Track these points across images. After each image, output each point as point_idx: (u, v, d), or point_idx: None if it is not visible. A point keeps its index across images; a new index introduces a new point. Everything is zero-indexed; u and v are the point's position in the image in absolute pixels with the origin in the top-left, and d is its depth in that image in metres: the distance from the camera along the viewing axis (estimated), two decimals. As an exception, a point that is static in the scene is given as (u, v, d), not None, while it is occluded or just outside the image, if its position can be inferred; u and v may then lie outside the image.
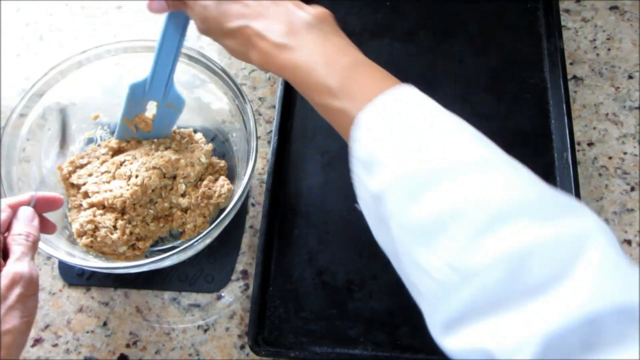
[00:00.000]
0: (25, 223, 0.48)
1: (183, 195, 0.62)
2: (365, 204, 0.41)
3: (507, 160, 0.37)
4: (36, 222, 0.49)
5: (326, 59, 0.42)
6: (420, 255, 0.35)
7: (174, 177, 0.63)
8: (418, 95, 0.41)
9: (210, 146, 0.66)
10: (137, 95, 0.60)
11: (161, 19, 0.55)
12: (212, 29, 0.47)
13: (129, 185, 0.60)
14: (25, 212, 0.49)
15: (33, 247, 0.47)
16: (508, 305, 0.32)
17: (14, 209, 0.49)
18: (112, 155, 0.64)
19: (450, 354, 0.35)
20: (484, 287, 0.33)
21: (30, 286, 0.44)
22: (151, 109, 0.63)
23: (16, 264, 0.44)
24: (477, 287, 0.33)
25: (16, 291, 0.42)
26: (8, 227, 0.47)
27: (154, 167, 0.61)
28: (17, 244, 0.46)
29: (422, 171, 0.36)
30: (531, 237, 0.33)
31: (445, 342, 0.35)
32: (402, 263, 0.38)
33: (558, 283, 0.31)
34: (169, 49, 0.57)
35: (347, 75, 0.42)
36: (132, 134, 0.64)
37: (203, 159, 0.64)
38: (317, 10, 0.45)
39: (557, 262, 0.32)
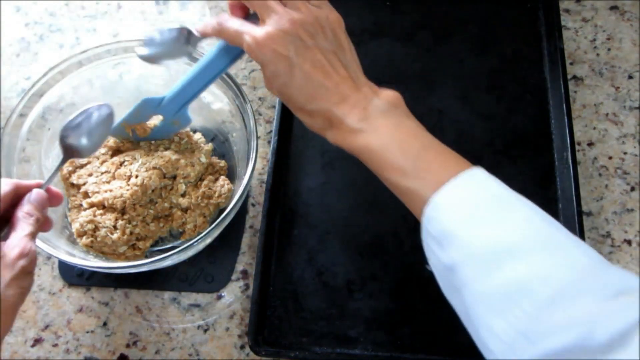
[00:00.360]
0: (36, 206, 0.49)
1: (183, 195, 0.62)
2: (437, 271, 0.45)
3: (573, 239, 0.41)
4: (46, 210, 0.50)
5: (400, 142, 0.46)
6: (493, 321, 0.39)
7: (174, 177, 0.62)
8: (487, 177, 0.44)
9: (210, 146, 0.66)
10: (148, 108, 0.60)
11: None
12: (289, 102, 0.50)
13: (129, 185, 0.60)
14: (40, 196, 0.50)
15: (38, 230, 0.49)
16: None
17: (19, 189, 0.50)
18: (112, 155, 0.64)
19: None
20: (550, 350, 0.36)
21: (32, 263, 0.46)
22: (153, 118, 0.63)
23: (25, 239, 0.46)
24: (545, 349, 0.36)
25: (21, 263, 0.45)
26: (11, 204, 0.49)
27: (154, 167, 0.61)
28: (26, 223, 0.47)
29: (495, 247, 0.40)
30: (593, 312, 0.36)
31: None
32: (473, 323, 0.41)
33: (620, 347, 0.34)
34: (204, 78, 0.56)
35: (419, 157, 0.45)
36: (126, 135, 0.64)
37: (203, 159, 0.64)
38: (389, 95, 0.49)
39: (617, 330, 0.34)
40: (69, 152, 0.55)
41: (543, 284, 0.38)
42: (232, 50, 0.54)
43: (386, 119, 0.47)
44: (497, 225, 0.41)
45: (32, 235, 0.47)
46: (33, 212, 0.48)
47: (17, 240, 0.46)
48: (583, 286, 0.37)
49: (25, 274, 0.45)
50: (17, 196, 0.49)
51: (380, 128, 0.47)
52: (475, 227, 0.41)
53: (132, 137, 0.64)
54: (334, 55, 0.49)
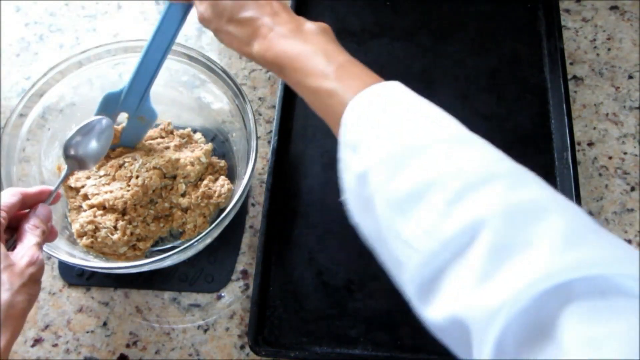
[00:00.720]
0: (42, 220, 0.51)
1: (183, 195, 0.62)
2: (350, 190, 0.43)
3: (480, 139, 0.40)
4: (50, 222, 0.52)
5: (326, 51, 0.47)
6: (401, 226, 0.37)
7: (174, 177, 0.63)
8: (404, 89, 0.44)
9: (210, 145, 0.66)
10: (110, 105, 0.60)
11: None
12: (220, 15, 0.51)
13: (129, 186, 0.60)
14: (45, 210, 0.52)
15: (44, 241, 0.51)
16: (479, 271, 0.33)
17: (25, 199, 0.51)
18: (106, 159, 0.64)
19: (431, 327, 0.37)
20: (456, 252, 0.34)
21: (40, 271, 0.48)
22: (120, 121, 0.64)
23: (33, 248, 0.48)
24: (450, 252, 0.34)
25: (30, 270, 0.46)
26: (18, 211, 0.51)
27: (155, 167, 0.61)
28: (33, 234, 0.49)
29: (403, 148, 0.39)
30: (502, 202, 0.34)
31: (425, 312, 0.37)
32: (386, 241, 0.39)
33: (525, 249, 0.32)
34: (152, 61, 0.57)
35: (343, 66, 0.46)
36: None
37: (203, 159, 0.64)
38: (321, 23, 0.50)
39: (524, 228, 0.33)
40: (73, 165, 0.58)
41: (449, 178, 0.36)
42: (175, 19, 0.56)
43: (317, 37, 0.48)
44: (409, 127, 0.40)
45: (39, 246, 0.49)
46: (39, 225, 0.51)
47: (26, 249, 0.48)
48: (491, 178, 0.36)
49: (34, 282, 0.47)
50: (24, 205, 0.51)
51: (311, 40, 0.48)
52: (388, 130, 0.40)
53: None
54: None
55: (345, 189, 0.44)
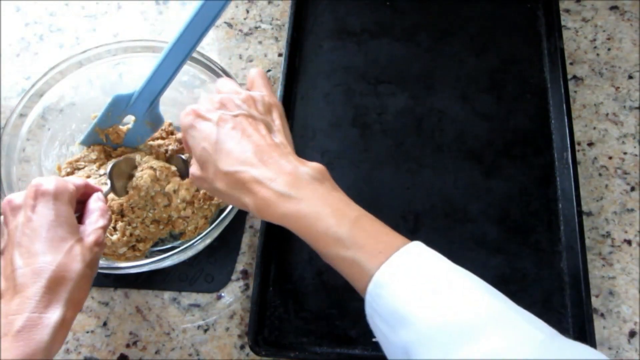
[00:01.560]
0: (102, 201, 0.52)
1: (184, 208, 0.62)
2: (387, 348, 0.43)
3: (523, 313, 0.41)
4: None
5: (333, 210, 0.44)
6: None
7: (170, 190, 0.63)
8: (429, 252, 0.43)
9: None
10: (119, 107, 0.60)
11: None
12: (208, 167, 0.48)
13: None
14: (101, 195, 0.53)
15: (108, 221, 0.51)
16: None
17: (87, 188, 0.53)
18: (106, 158, 0.64)
19: None
20: None
21: (101, 252, 0.48)
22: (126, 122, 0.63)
23: (100, 230, 0.49)
24: None
25: (96, 249, 0.47)
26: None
27: (150, 167, 0.61)
28: (102, 216, 0.50)
29: (449, 328, 0.38)
30: None
31: None
32: None
33: None
34: (168, 68, 0.57)
35: (355, 226, 0.43)
36: (100, 142, 0.64)
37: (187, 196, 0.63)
38: (316, 165, 0.47)
39: None
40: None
41: None
42: (196, 32, 0.55)
43: (315, 187, 0.45)
44: (447, 303, 0.39)
45: (105, 229, 0.49)
46: (106, 207, 0.52)
47: (93, 228, 0.48)
48: None
49: (95, 262, 0.47)
50: (86, 194, 0.52)
51: (311, 195, 0.44)
52: (424, 307, 0.39)
53: (106, 144, 0.64)
54: (263, 124, 0.49)
55: (379, 343, 0.44)
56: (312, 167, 0.47)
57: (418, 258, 0.42)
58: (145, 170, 0.60)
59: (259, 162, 0.45)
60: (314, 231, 0.44)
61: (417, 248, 0.42)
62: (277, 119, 0.51)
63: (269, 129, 0.49)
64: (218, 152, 0.47)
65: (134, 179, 0.60)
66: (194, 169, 0.50)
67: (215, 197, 0.62)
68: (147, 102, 0.59)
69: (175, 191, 0.60)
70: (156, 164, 0.61)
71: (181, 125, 0.50)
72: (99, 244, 0.47)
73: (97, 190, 0.53)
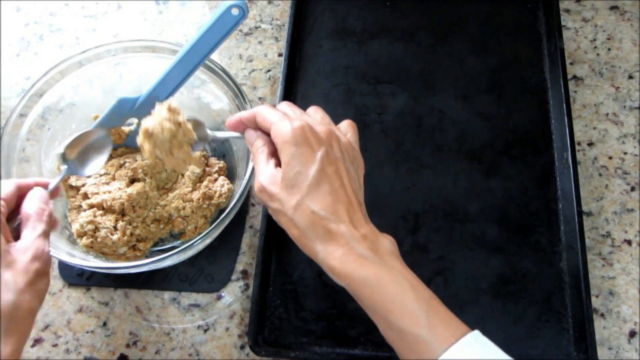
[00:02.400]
0: (39, 200, 0.48)
1: (183, 208, 0.62)
2: None
3: None
4: (50, 203, 0.49)
5: (412, 287, 0.44)
6: None
7: (170, 188, 0.63)
8: (488, 342, 0.44)
9: (199, 153, 0.65)
10: (123, 110, 0.60)
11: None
12: (295, 195, 0.47)
13: (127, 186, 0.60)
14: (39, 191, 0.49)
15: (48, 225, 0.47)
16: None
17: (21, 189, 0.49)
18: (107, 159, 0.64)
19: None
20: None
21: (46, 264, 0.44)
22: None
23: (38, 240, 0.45)
24: None
25: (35, 265, 0.43)
26: (16, 206, 0.48)
27: (176, 122, 0.60)
28: (39, 220, 0.46)
29: None
30: None
31: None
32: None
33: None
34: (178, 75, 0.57)
35: (430, 307, 0.44)
36: None
37: (196, 170, 0.64)
38: (391, 238, 0.48)
39: None
40: (69, 170, 0.56)
41: None
42: (207, 45, 0.55)
43: (393, 259, 0.46)
44: None
45: (46, 234, 0.46)
46: (44, 207, 0.47)
47: (30, 241, 0.44)
48: None
49: (41, 276, 0.43)
50: (20, 197, 0.48)
51: (391, 265, 0.45)
52: None
53: None
54: (355, 178, 0.49)
55: None
56: (389, 240, 0.48)
57: (479, 346, 0.43)
58: (165, 122, 0.53)
59: (348, 218, 0.46)
60: (389, 301, 0.44)
61: (478, 336, 0.44)
62: (361, 177, 0.51)
63: (355, 184, 0.49)
64: (314, 188, 0.46)
65: (148, 126, 0.53)
66: (270, 182, 0.48)
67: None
68: (152, 106, 0.59)
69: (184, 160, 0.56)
70: (181, 118, 0.54)
71: (292, 130, 0.47)
72: (39, 256, 0.43)
73: (36, 185, 0.49)
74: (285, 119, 0.48)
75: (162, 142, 0.53)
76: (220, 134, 0.56)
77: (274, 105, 0.52)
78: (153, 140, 0.53)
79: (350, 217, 0.46)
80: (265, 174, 0.49)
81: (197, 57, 0.56)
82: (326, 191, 0.46)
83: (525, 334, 0.59)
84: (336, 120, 0.71)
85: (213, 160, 0.66)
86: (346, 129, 0.52)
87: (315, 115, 0.52)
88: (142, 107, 0.60)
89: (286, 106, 0.52)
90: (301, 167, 0.46)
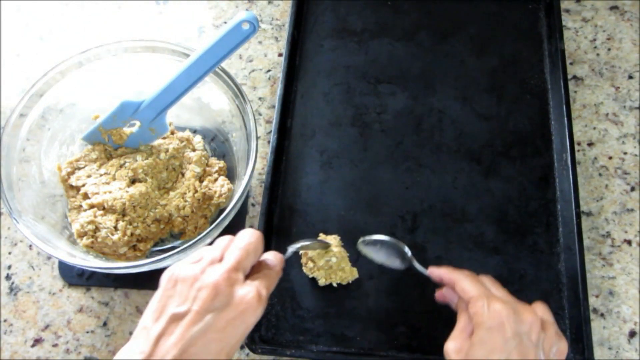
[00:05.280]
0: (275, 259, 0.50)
1: (183, 207, 0.62)
2: None
3: None
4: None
5: None
6: None
7: (170, 188, 0.63)
8: None
9: (199, 154, 0.66)
10: (126, 113, 0.61)
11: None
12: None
13: (128, 186, 0.61)
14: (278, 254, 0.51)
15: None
16: None
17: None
18: (107, 157, 0.64)
19: None
20: None
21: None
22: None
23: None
24: None
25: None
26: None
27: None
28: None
29: None
30: None
31: None
32: None
33: None
34: (184, 84, 0.58)
35: None
36: (102, 141, 0.65)
37: (197, 169, 0.64)
38: None
39: None
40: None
41: None
42: (215, 56, 0.56)
43: None
44: None
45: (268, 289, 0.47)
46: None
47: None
48: None
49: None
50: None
51: None
52: None
53: (107, 143, 0.65)
54: None
55: None
56: None
57: None
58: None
59: None
60: None
61: None
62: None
63: None
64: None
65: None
66: (455, 350, 0.48)
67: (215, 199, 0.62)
68: (155, 111, 0.60)
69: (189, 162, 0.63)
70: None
71: (489, 313, 0.47)
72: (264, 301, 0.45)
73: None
74: (488, 298, 0.48)
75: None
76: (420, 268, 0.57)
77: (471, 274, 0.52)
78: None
79: None
80: (456, 340, 0.49)
81: (203, 68, 0.57)
82: None
83: (524, 335, 0.59)
84: (336, 120, 0.71)
85: (213, 160, 0.66)
86: (542, 311, 0.50)
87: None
88: (145, 111, 0.60)
89: (487, 280, 0.52)
90: (485, 354, 0.46)
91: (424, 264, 0.55)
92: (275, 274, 0.48)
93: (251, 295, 0.43)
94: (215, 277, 0.43)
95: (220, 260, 0.46)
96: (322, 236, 0.63)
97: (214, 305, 0.42)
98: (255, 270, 0.48)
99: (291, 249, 0.55)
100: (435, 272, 0.54)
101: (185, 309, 0.42)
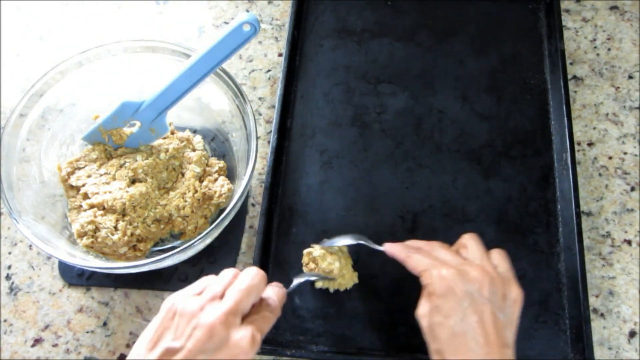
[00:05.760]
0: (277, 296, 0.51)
1: (183, 207, 0.62)
2: None
3: None
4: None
5: None
6: None
7: (170, 188, 0.63)
8: None
9: (199, 154, 0.66)
10: (126, 113, 0.61)
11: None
12: (435, 342, 0.49)
13: (128, 186, 0.61)
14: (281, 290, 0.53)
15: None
16: None
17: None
18: (107, 157, 0.64)
19: None
20: None
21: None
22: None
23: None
24: None
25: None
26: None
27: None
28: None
29: None
30: None
31: None
32: None
33: None
34: (184, 85, 0.58)
35: None
36: (102, 141, 0.65)
37: (197, 168, 0.64)
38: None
39: None
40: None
41: None
42: (215, 58, 0.56)
43: None
44: None
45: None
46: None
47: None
48: None
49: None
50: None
51: None
52: None
53: (107, 143, 0.65)
54: (501, 326, 0.49)
55: None
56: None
57: None
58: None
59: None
60: None
61: None
62: (516, 312, 0.51)
63: (503, 325, 0.49)
64: (452, 341, 0.48)
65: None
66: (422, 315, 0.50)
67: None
68: (155, 112, 0.60)
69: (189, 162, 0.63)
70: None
71: (438, 281, 0.50)
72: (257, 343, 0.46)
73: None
74: (435, 267, 0.51)
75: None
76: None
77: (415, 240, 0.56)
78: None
79: (480, 354, 0.47)
80: (422, 306, 0.51)
81: (204, 69, 0.57)
82: (466, 345, 0.47)
83: (523, 335, 0.59)
84: (336, 120, 0.71)
85: (213, 160, 0.66)
86: (498, 260, 0.53)
87: (471, 251, 0.53)
88: (145, 111, 0.60)
89: (438, 247, 0.54)
90: (442, 319, 0.48)
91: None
92: (274, 317, 0.49)
93: (246, 341, 0.44)
94: (212, 317, 0.44)
95: (222, 296, 0.46)
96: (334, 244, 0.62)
97: (208, 346, 0.43)
98: (254, 309, 0.48)
99: (296, 281, 0.56)
100: (389, 249, 0.56)
101: (179, 345, 0.43)
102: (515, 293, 0.51)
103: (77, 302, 0.64)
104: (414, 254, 0.54)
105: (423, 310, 0.50)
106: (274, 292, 0.51)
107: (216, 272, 0.63)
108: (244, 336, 0.44)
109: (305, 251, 0.61)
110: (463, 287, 0.49)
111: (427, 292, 0.51)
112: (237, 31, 0.54)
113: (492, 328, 0.47)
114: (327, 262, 0.59)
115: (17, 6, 0.83)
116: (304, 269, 0.61)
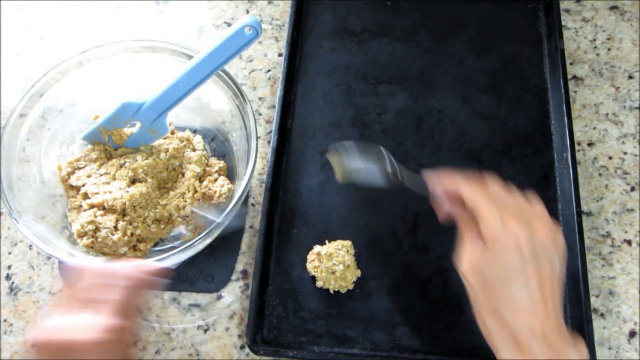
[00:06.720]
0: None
1: (184, 207, 0.62)
2: None
3: None
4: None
5: None
6: None
7: (170, 188, 0.63)
8: None
9: (199, 154, 0.66)
10: (126, 114, 0.61)
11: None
12: (489, 300, 0.46)
13: (128, 186, 0.61)
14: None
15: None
16: None
17: None
18: (107, 158, 0.64)
19: None
20: None
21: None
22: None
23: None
24: None
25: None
26: None
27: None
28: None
29: None
30: None
31: None
32: None
33: None
34: (186, 86, 0.58)
35: None
36: (102, 141, 0.65)
37: (197, 168, 0.64)
38: (582, 350, 0.45)
39: None
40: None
41: None
42: (216, 60, 0.56)
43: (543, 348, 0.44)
44: None
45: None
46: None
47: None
48: None
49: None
50: None
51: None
52: None
53: (107, 143, 0.65)
54: (557, 277, 0.47)
55: None
56: (580, 350, 0.45)
57: None
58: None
59: (541, 332, 0.44)
60: None
61: None
62: (563, 273, 0.48)
63: (558, 288, 0.46)
64: (506, 290, 0.45)
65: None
66: (470, 267, 0.47)
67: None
68: (156, 113, 0.61)
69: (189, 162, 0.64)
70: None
71: (498, 230, 0.46)
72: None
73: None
74: (495, 215, 0.46)
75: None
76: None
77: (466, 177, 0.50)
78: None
79: (542, 330, 0.44)
80: (470, 256, 0.48)
81: (205, 71, 0.57)
82: (520, 297, 0.45)
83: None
84: (336, 120, 0.71)
85: (213, 160, 0.66)
86: (540, 210, 0.49)
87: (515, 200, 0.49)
88: (146, 112, 0.60)
89: (495, 187, 0.49)
90: (506, 278, 0.45)
91: (425, 264, 0.55)
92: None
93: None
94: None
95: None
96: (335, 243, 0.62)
97: None
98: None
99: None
100: (434, 178, 0.51)
101: None
102: (559, 240, 0.48)
103: (77, 302, 0.63)
104: (476, 192, 0.48)
105: (474, 260, 0.46)
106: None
107: (216, 272, 0.64)
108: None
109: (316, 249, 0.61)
110: (530, 245, 0.45)
111: (490, 244, 0.46)
112: (238, 34, 0.54)
113: (550, 283, 0.45)
114: (332, 262, 0.59)
115: (17, 6, 0.83)
116: (308, 265, 0.61)
